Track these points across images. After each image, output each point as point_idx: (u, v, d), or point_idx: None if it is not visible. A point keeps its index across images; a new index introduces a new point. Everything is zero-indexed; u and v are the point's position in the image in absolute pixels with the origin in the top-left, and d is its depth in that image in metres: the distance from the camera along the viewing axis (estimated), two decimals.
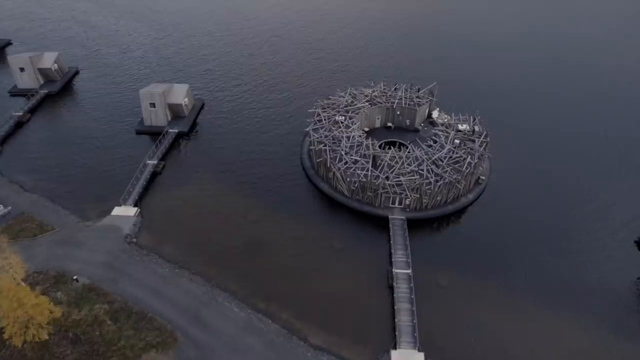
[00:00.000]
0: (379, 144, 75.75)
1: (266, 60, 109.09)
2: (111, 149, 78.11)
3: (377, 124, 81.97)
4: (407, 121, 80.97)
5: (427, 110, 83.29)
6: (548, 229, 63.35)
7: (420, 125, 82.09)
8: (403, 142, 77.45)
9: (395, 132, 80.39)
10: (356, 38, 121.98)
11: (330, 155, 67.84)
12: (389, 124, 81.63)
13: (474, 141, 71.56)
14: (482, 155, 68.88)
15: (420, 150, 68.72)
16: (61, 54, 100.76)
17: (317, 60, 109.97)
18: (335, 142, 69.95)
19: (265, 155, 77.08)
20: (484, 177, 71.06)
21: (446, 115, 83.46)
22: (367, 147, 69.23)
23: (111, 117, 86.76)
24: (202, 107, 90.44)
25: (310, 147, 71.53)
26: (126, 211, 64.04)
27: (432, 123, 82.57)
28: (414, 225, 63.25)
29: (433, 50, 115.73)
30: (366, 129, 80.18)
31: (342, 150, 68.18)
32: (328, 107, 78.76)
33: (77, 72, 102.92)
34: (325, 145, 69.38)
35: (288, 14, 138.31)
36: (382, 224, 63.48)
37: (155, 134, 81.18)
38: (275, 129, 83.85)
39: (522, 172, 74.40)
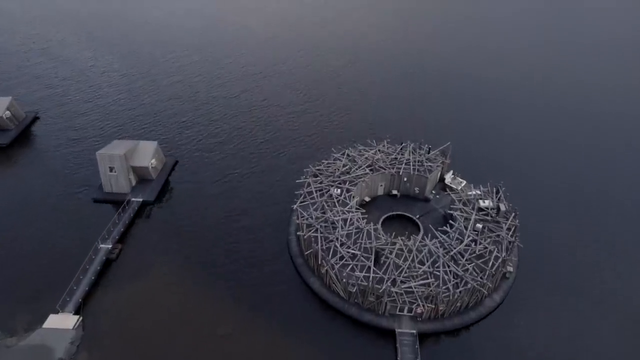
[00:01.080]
0: (382, 219, 62.88)
1: (252, 109, 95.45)
2: (60, 224, 64.87)
3: (380, 191, 68.84)
4: (416, 189, 67.84)
5: (439, 174, 70.32)
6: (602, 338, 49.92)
7: (432, 192, 68.97)
8: (411, 216, 64.37)
9: (401, 202, 67.23)
10: (355, 81, 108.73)
11: (322, 245, 54.54)
12: (394, 192, 68.50)
13: (498, 222, 58.45)
14: (511, 245, 55.54)
15: (435, 242, 55.20)
16: (15, 98, 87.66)
17: (311, 107, 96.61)
18: (328, 227, 56.67)
19: (245, 234, 63.81)
20: (511, 269, 57.67)
21: (462, 180, 70.49)
22: (369, 234, 55.92)
23: (67, 179, 73.62)
24: (174, 166, 77.39)
25: (299, 233, 58.23)
26: (64, 321, 50.66)
27: (446, 188, 69.72)
28: (428, 339, 49.88)
29: (443, 99, 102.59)
30: (367, 199, 67.07)
31: (337, 239, 54.86)
32: (321, 174, 65.70)
33: (35, 119, 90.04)
34: (316, 231, 56.15)
35: (279, 51, 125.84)
36: (387, 337, 50.12)
37: (116, 202, 68.12)
38: (259, 198, 70.62)
39: (558, 259, 61.14)
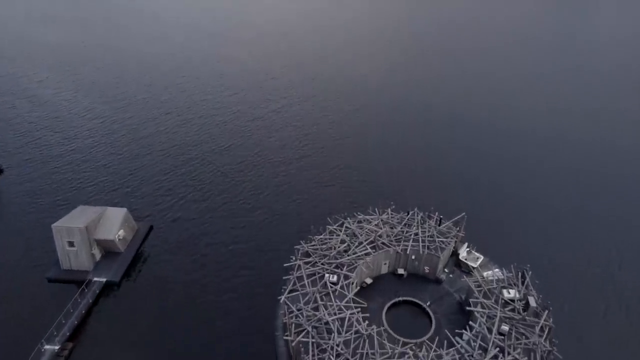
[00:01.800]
0: (386, 307, 52.79)
1: (243, 164, 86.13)
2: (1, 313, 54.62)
3: (384, 270, 58.93)
4: (426, 268, 57.96)
5: (452, 249, 60.58)
6: None
7: (444, 271, 59.06)
8: (420, 302, 54.29)
9: (408, 283, 57.23)
10: (355, 133, 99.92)
11: (314, 355, 44.24)
12: (400, 271, 58.60)
13: (526, 320, 48.30)
14: (548, 356, 45.15)
15: (452, 354, 44.80)
16: None
17: (307, 163, 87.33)
18: (322, 330, 46.47)
19: (224, 331, 53.60)
20: None
21: (478, 255, 60.68)
22: (371, 341, 45.65)
23: (22, 252, 63.78)
24: (148, 233, 67.72)
25: (286, 336, 47.99)
26: None
27: (460, 263, 59.89)
28: None
29: (453, 155, 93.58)
30: (368, 281, 57.10)
31: (333, 348, 44.56)
32: (314, 252, 55.91)
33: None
34: (307, 334, 45.95)
35: (275, 93, 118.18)
36: None
37: (75, 282, 58.14)
38: (243, 281, 60.64)
39: None
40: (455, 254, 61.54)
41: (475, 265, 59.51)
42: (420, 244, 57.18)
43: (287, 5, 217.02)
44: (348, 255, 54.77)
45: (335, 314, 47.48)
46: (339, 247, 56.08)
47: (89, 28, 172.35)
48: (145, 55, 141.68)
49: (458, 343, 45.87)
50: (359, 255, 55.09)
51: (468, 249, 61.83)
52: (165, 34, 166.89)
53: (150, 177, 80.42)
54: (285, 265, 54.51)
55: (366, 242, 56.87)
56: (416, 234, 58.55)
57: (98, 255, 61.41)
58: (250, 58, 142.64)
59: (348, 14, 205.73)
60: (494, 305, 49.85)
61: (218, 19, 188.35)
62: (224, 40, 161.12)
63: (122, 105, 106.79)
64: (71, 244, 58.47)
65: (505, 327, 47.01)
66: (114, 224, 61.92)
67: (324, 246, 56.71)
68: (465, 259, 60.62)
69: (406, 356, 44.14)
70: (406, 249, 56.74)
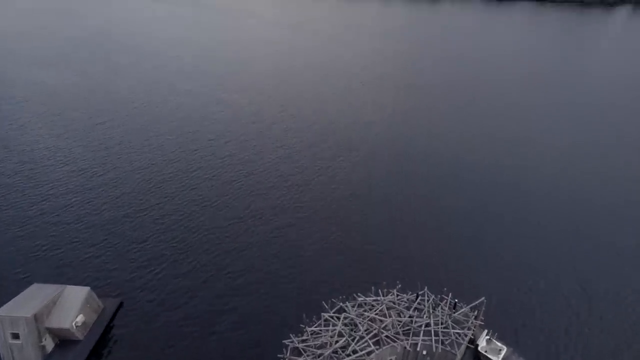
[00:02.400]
0: None
1: (231, 227, 76.65)
2: None
3: None
4: None
5: (468, 338, 51.25)
6: None
7: None
8: None
9: None
10: (352, 195, 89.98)
11: None
12: None
13: None
14: None
15: None
16: None
17: (298, 229, 77.54)
18: None
19: None
20: None
21: (501, 345, 51.38)
22: None
23: None
24: (117, 311, 58.25)
25: None
26: None
27: (479, 357, 50.52)
28: None
29: (468, 222, 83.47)
30: None
31: None
32: (307, 349, 46.47)
33: None
34: None
35: (265, 147, 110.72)
36: None
37: None
38: None
39: None
40: (473, 343, 52.28)
41: (497, 359, 50.21)
42: (433, 337, 47.89)
43: (283, 46, 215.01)
44: (347, 356, 45.35)
45: None
46: (335, 343, 46.73)
47: (83, 68, 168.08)
48: (134, 100, 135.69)
49: None
50: (359, 355, 45.66)
51: (488, 337, 52.58)
52: (159, 76, 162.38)
53: (125, 244, 71.21)
54: None
55: (369, 335, 47.53)
56: (427, 324, 49.36)
57: (50, 346, 51.71)
58: (245, 102, 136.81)
59: (347, 53, 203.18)
60: None
61: (215, 61, 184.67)
62: (219, 83, 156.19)
63: (102, 156, 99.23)
64: (15, 336, 48.95)
65: None
66: (72, 307, 52.58)
67: (318, 339, 47.39)
68: (486, 351, 51.30)
69: None
70: (416, 344, 47.42)
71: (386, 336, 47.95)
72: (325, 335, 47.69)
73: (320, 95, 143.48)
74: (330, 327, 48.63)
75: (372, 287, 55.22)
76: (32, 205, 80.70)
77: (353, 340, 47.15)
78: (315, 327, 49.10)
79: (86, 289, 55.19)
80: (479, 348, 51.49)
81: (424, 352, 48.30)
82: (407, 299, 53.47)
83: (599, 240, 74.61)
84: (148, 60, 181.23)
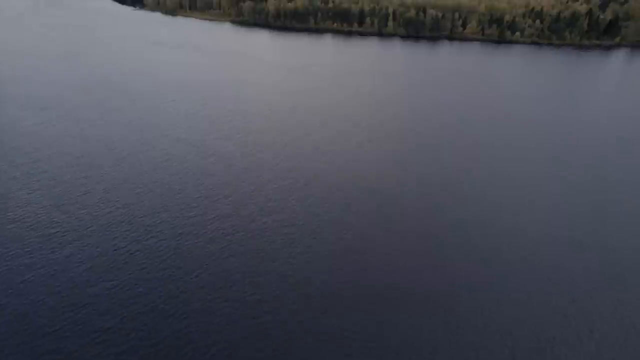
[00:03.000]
0: None
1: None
2: None
3: None
4: None
5: None
6: None
7: None
8: None
9: None
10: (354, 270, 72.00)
11: None
12: None
13: None
14: None
15: None
16: None
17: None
18: None
19: None
20: None
21: None
22: None
23: None
24: None
25: None
26: None
27: None
28: None
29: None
30: None
31: None
32: None
33: None
34: None
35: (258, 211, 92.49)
36: None
37: None
38: None
39: None
40: None
41: None
42: None
43: (281, 90, 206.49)
44: None
45: None
46: None
47: (74, 112, 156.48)
48: (123, 149, 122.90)
49: None
50: None
51: None
52: (152, 121, 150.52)
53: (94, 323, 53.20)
54: None
55: None
56: None
57: None
58: (238, 153, 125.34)
59: (345, 96, 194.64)
60: None
61: (212, 106, 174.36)
62: (213, 130, 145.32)
63: (80, 215, 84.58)
64: None
65: None
66: None
67: None
68: None
69: None
70: None
71: None
72: None
73: (318, 147, 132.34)
74: None
75: None
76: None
77: None
78: None
79: None
80: None
81: None
82: None
83: None
84: (142, 104, 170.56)
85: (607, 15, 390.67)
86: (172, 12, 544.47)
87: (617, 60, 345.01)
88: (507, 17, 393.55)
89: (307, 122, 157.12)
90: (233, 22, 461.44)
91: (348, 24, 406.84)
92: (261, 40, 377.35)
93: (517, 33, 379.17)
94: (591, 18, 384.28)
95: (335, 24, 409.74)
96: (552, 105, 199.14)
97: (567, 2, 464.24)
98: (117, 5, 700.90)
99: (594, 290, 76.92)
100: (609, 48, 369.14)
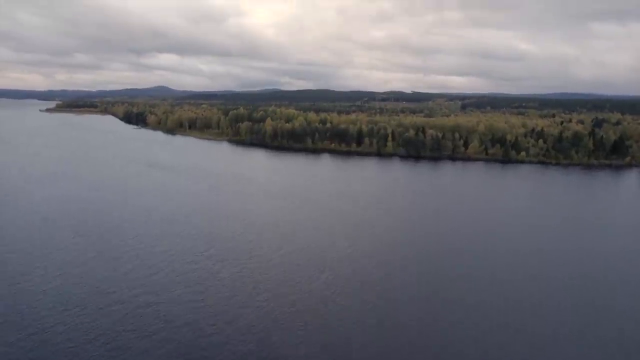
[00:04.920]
0: None
1: None
2: None
3: None
4: None
5: None
6: None
7: None
8: None
9: None
10: None
11: None
12: None
13: None
14: None
15: None
16: None
17: None
18: None
19: None
20: None
21: None
22: None
23: None
24: None
25: None
26: None
27: None
28: None
29: None
30: None
31: None
32: None
33: None
34: None
35: None
36: None
37: None
38: None
39: None
40: None
41: None
42: None
43: (274, 219, 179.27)
44: None
45: None
46: None
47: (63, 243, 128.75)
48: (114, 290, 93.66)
49: None
50: None
51: None
52: (143, 254, 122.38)
53: None
54: None
55: None
56: None
57: None
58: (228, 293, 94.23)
59: (342, 224, 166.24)
60: None
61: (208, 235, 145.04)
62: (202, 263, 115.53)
63: None
64: None
65: None
66: None
67: None
68: None
69: None
70: None
71: None
72: None
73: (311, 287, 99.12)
74: None
75: None
76: None
77: None
78: None
79: None
80: None
81: None
82: None
83: None
84: (134, 233, 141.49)
85: (611, 135, 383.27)
86: (172, 131, 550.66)
87: (632, 180, 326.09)
88: (509, 137, 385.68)
89: (302, 269, 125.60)
90: (230, 141, 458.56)
91: (346, 144, 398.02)
92: (256, 161, 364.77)
93: (523, 152, 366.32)
94: (595, 137, 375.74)
95: (333, 144, 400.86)
96: (559, 227, 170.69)
97: (561, 122, 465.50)
98: (122, 124, 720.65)
99: None
100: (620, 168, 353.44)
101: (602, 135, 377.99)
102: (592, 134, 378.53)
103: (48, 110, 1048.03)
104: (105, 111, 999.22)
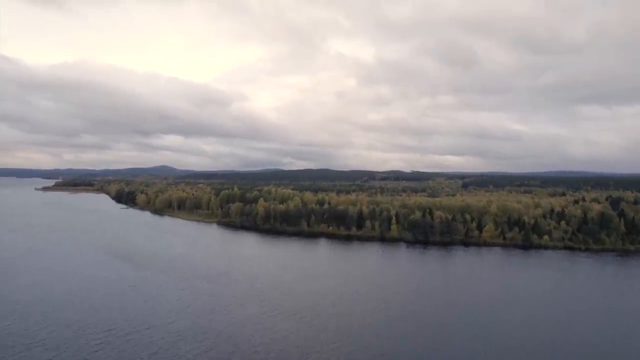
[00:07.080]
0: None
1: None
2: None
3: None
4: None
5: None
6: None
7: None
8: None
9: None
10: None
11: None
12: None
13: None
14: None
15: None
16: None
17: None
18: None
19: None
20: None
21: None
22: None
23: None
24: None
25: None
26: None
27: None
28: None
29: None
30: None
31: None
32: None
33: None
34: None
35: None
36: None
37: None
38: None
39: None
40: None
41: None
42: None
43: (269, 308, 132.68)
44: None
45: None
46: None
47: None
48: None
49: None
50: None
51: None
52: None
53: None
54: None
55: None
56: None
57: None
58: None
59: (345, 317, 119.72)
60: None
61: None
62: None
63: None
64: None
65: None
66: None
67: None
68: None
69: None
70: None
71: None
72: None
73: None
74: None
75: None
76: None
77: None
78: None
79: None
80: None
81: None
82: None
83: None
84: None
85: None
86: (159, 212, 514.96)
87: None
88: (527, 219, 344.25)
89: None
90: (219, 223, 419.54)
91: (346, 227, 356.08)
92: (241, 249, 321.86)
93: (546, 236, 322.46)
94: (625, 219, 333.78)
95: (330, 227, 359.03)
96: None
97: (575, 201, 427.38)
98: (112, 203, 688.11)
99: None
100: None
101: (633, 217, 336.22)
102: (622, 214, 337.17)
103: (44, 188, 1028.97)
104: (100, 189, 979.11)
